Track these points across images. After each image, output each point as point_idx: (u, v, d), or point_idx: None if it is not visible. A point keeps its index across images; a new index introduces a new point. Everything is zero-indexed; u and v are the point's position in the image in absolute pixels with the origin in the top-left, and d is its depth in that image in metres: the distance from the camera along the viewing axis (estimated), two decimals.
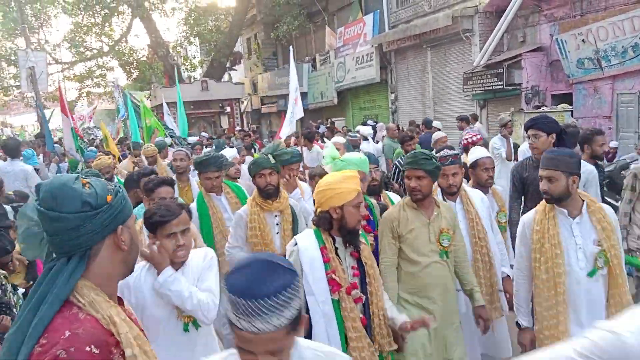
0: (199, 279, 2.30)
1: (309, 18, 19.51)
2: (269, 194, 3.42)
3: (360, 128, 9.75)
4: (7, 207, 4.67)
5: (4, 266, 3.16)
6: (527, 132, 3.80)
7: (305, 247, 2.35)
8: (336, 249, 2.37)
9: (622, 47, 8.70)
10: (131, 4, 20.03)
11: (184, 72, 23.95)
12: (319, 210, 2.38)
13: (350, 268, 2.38)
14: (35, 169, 6.90)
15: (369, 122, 12.78)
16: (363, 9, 16.53)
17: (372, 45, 15.34)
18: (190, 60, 25.18)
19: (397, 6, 14.60)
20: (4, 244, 2.68)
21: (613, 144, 8.41)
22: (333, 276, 2.29)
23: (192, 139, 11.00)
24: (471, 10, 11.66)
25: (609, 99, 9.36)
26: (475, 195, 3.43)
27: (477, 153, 3.77)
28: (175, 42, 23.48)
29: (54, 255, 1.27)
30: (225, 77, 24.02)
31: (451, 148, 3.55)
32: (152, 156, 6.68)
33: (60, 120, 7.35)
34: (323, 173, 4.24)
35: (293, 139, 8.68)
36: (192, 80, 23.38)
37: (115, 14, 22.09)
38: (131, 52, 23.10)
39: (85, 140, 7.87)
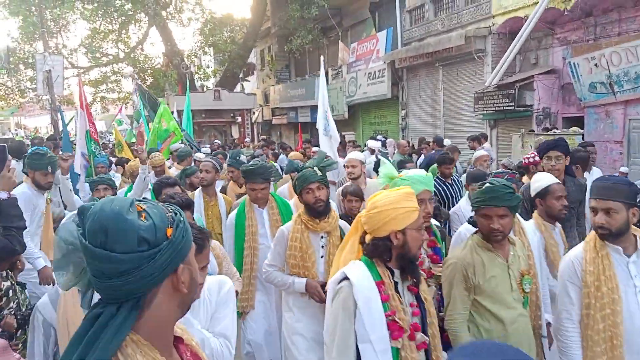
0: (213, 317, 2.00)
1: (322, 32, 19.71)
2: (319, 211, 3.04)
3: (369, 142, 9.78)
4: None
5: (13, 265, 3.20)
6: (544, 153, 3.81)
7: (360, 283, 1.93)
8: (395, 284, 1.99)
9: (635, 72, 8.68)
10: (148, 13, 20.37)
11: (197, 81, 24.23)
12: (372, 236, 1.99)
13: (409, 306, 2.01)
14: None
15: (378, 137, 12.83)
16: (377, 26, 16.67)
17: (385, 62, 15.44)
18: (204, 69, 25.48)
19: (411, 24, 14.72)
20: (13, 245, 2.70)
21: (623, 169, 8.36)
22: (395, 319, 1.91)
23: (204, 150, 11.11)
24: (484, 30, 11.73)
25: (620, 124, 9.32)
26: (527, 226, 3.04)
27: (546, 179, 3.23)
28: (190, 51, 23.81)
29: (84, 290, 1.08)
30: (238, 87, 24.24)
31: (508, 168, 3.50)
32: (160, 166, 6.16)
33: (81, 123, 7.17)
34: (357, 191, 4.10)
35: (314, 148, 8.65)
36: (205, 89, 23.63)
37: (133, 21, 22.48)
38: (146, 59, 23.43)
39: (99, 145, 7.46)
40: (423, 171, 2.77)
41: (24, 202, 3.39)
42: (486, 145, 10.18)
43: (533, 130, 9.89)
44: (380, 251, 1.97)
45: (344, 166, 5.74)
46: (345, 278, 1.96)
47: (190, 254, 1.10)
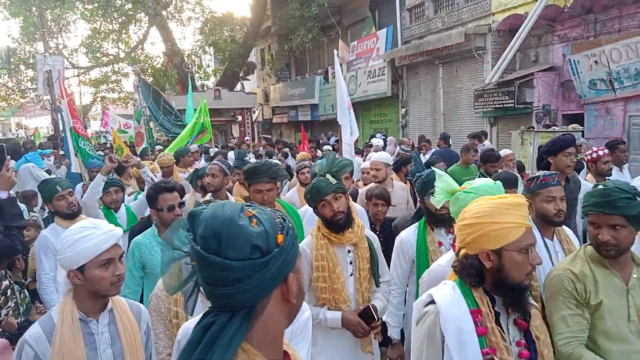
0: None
1: (322, 31, 19.69)
2: (340, 224, 2.61)
3: (373, 140, 9.77)
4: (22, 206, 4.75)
5: (12, 264, 3.21)
6: (562, 150, 3.67)
7: (448, 310, 1.56)
8: (496, 315, 1.58)
9: (635, 69, 8.67)
10: (149, 12, 20.38)
11: (198, 80, 24.24)
12: (462, 252, 1.64)
13: (514, 344, 1.59)
14: (46, 170, 6.99)
15: (378, 135, 12.84)
16: (377, 24, 16.66)
17: (385, 60, 15.44)
18: (204, 68, 25.49)
19: (411, 22, 14.70)
20: (14, 244, 2.71)
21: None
22: (495, 358, 1.52)
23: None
24: (484, 28, 11.71)
25: (620, 120, 9.31)
26: (569, 231, 2.67)
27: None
28: (190, 50, 23.82)
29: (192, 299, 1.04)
30: (238, 86, 24.25)
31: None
32: (169, 166, 5.79)
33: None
34: (384, 194, 3.86)
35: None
36: (205, 88, 23.63)
37: (133, 21, 22.49)
38: (147, 59, 23.45)
39: (91, 142, 6.92)
40: (489, 180, 2.16)
41: (43, 247, 3.37)
42: (486, 142, 10.19)
43: (533, 128, 9.88)
44: (468, 273, 1.58)
45: (361, 171, 5.52)
46: (432, 302, 1.61)
47: (298, 262, 1.06)
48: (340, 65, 18.12)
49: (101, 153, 9.35)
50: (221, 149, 10.27)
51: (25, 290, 3.16)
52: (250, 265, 0.95)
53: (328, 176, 2.68)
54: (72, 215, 3.38)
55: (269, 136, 19.73)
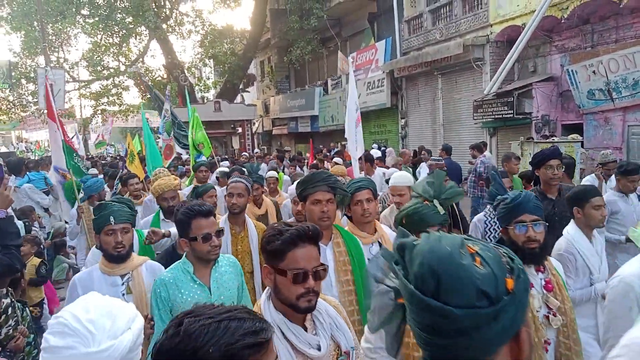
0: None
1: (322, 43, 19.84)
2: None
3: (372, 152, 9.79)
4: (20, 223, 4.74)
5: (15, 283, 3.21)
6: (544, 162, 3.69)
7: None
8: None
9: (633, 79, 8.72)
10: (149, 26, 20.54)
11: (198, 92, 24.35)
12: None
13: None
14: (45, 192, 6.90)
15: (374, 145, 12.93)
16: (375, 36, 16.78)
17: (384, 71, 15.52)
18: (204, 81, 25.63)
19: (409, 34, 14.81)
20: (13, 263, 2.72)
21: None
22: None
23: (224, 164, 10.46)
24: (482, 39, 11.80)
25: (619, 130, 9.34)
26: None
27: None
28: (190, 63, 23.96)
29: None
30: (238, 98, 24.38)
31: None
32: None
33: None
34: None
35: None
36: (205, 100, 23.75)
37: (133, 34, 22.66)
38: (147, 72, 23.58)
39: (81, 157, 6.10)
40: None
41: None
42: (487, 153, 10.19)
43: (532, 138, 9.90)
44: None
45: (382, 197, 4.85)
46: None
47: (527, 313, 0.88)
48: (340, 77, 18.14)
49: (94, 171, 8.78)
50: (235, 164, 9.20)
51: (27, 309, 3.15)
52: (475, 315, 0.80)
53: (436, 202, 2.29)
54: (117, 258, 2.59)
55: (286, 148, 19.62)
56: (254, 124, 25.23)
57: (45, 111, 18.59)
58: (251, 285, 3.24)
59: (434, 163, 7.24)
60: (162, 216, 3.97)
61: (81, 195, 5.13)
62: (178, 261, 2.48)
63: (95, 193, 5.13)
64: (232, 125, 23.06)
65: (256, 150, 18.64)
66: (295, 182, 3.95)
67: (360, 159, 6.23)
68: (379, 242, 2.77)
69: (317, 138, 20.81)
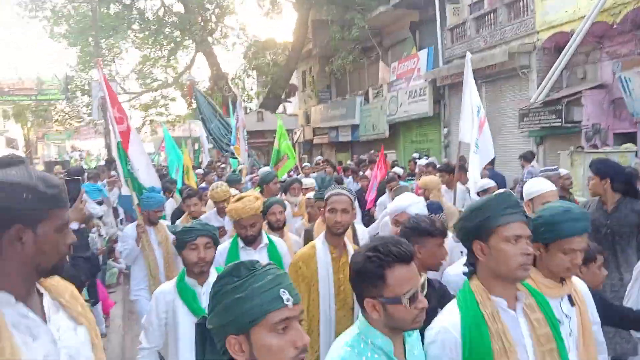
0: None
1: (363, 53, 19.90)
2: None
3: (420, 161, 9.69)
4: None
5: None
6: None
7: None
8: None
9: None
10: (195, 39, 21.25)
11: (242, 102, 24.85)
12: None
13: None
14: (98, 202, 7.21)
15: (414, 154, 12.86)
16: (417, 45, 16.70)
17: (426, 80, 15.41)
18: (247, 91, 26.20)
19: (452, 42, 14.66)
20: (79, 275, 2.84)
21: None
22: None
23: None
24: (529, 46, 11.53)
25: None
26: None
27: None
28: (234, 74, 24.58)
29: None
30: (280, 108, 24.75)
31: None
32: (224, 201, 4.69)
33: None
34: None
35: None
36: (249, 110, 24.26)
37: (181, 47, 23.50)
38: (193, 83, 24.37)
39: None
40: None
41: None
42: (534, 163, 9.92)
43: (583, 147, 9.57)
44: None
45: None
46: None
47: None
48: (381, 86, 18.08)
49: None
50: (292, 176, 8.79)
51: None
52: None
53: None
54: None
55: (305, 155, 19.84)
56: (296, 133, 25.52)
57: (99, 122, 19.52)
58: (350, 322, 2.54)
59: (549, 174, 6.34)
60: (241, 243, 3.35)
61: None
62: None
63: (153, 209, 4.48)
64: (275, 135, 23.41)
65: (319, 157, 17.43)
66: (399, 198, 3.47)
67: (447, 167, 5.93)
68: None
69: (358, 147, 20.83)
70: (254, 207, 3.22)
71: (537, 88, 11.00)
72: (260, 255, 3.24)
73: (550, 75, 10.50)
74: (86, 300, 3.33)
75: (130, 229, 4.43)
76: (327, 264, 2.83)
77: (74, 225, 2.89)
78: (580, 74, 10.75)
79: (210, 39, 22.27)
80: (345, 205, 2.89)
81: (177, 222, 4.93)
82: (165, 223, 4.69)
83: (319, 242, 2.94)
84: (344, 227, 2.88)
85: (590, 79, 10.53)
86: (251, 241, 3.29)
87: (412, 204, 3.31)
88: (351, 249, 2.92)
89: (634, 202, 3.75)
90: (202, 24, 21.56)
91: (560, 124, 10.43)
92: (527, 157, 9.02)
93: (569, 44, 10.03)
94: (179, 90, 24.22)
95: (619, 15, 9.11)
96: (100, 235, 6.26)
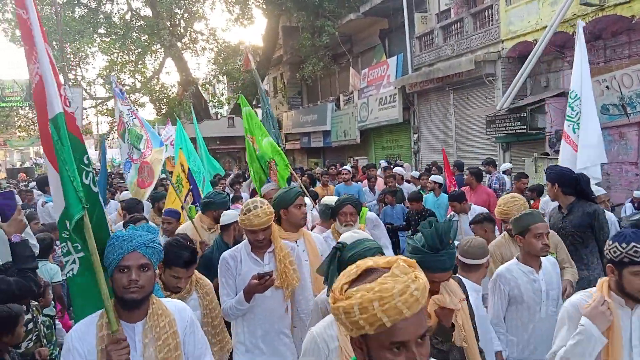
0: None
1: (334, 59, 20.03)
2: None
3: (397, 169, 9.79)
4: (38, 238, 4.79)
5: (38, 299, 3.27)
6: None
7: None
8: None
9: None
10: (164, 44, 20.95)
11: (212, 108, 24.65)
12: None
13: None
14: None
15: (382, 161, 13.01)
16: (387, 52, 16.92)
17: (395, 87, 15.61)
18: (218, 97, 25.98)
19: (421, 50, 14.91)
20: (30, 286, 2.77)
21: (637, 193, 8.24)
22: None
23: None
24: (494, 55, 11.84)
25: (635, 145, 9.26)
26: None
27: None
28: (204, 79, 24.33)
29: None
30: None
31: None
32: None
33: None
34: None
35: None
36: (219, 116, 24.05)
37: (149, 52, 23.11)
38: (162, 88, 23.99)
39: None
40: None
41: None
42: (506, 164, 10.13)
43: (547, 154, 9.86)
44: None
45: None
46: None
47: None
48: (352, 93, 18.21)
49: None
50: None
51: (53, 325, 3.21)
52: None
53: None
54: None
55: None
56: None
57: None
58: None
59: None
60: (247, 249, 3.21)
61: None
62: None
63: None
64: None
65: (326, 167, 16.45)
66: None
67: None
68: None
69: (330, 153, 20.91)
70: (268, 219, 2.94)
71: (503, 95, 11.29)
72: (268, 258, 3.04)
73: (514, 83, 10.80)
74: (51, 317, 3.21)
75: None
76: None
77: (16, 238, 2.78)
78: (544, 82, 11.09)
79: (179, 44, 21.99)
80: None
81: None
82: None
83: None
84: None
85: (553, 87, 10.88)
86: (261, 246, 3.02)
87: None
88: None
89: (585, 205, 3.92)
90: (170, 28, 21.29)
91: (525, 130, 10.72)
92: (493, 163, 9.22)
93: (532, 52, 10.34)
94: (148, 96, 23.78)
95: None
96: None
